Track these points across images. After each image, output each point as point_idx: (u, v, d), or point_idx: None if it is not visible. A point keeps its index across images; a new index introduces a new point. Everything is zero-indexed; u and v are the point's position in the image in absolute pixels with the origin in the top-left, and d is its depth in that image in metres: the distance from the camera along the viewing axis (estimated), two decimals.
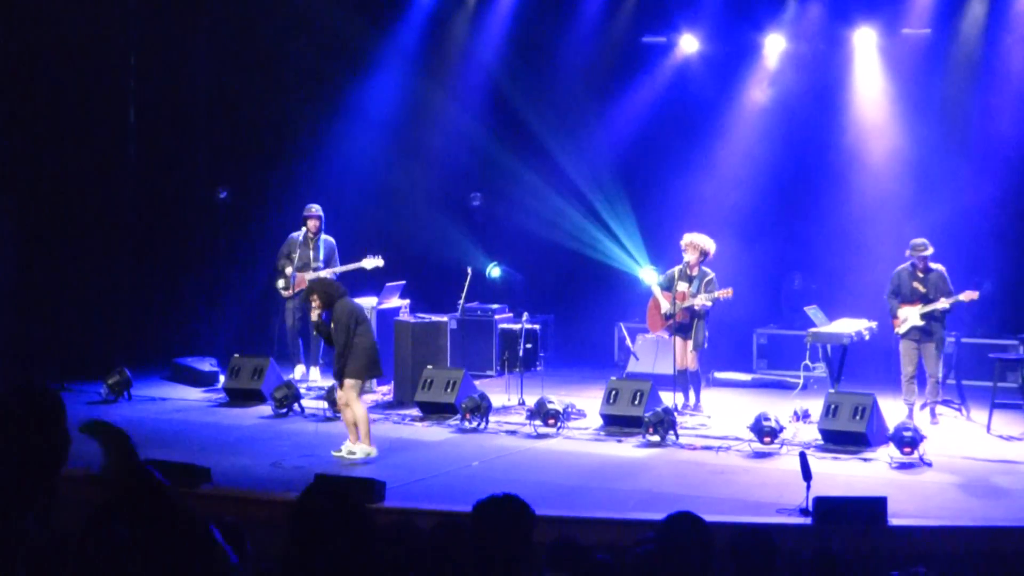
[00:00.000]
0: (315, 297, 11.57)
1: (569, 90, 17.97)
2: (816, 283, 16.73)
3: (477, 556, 4.35)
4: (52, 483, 3.28)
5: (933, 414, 13.01)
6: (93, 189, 16.66)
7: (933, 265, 13.06)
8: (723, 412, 13.70)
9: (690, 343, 13.71)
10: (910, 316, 13.00)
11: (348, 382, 11.54)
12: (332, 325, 11.50)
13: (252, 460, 11.67)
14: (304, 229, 15.52)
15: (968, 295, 12.97)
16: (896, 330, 13.19)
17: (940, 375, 13.12)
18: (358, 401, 11.64)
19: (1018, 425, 12.85)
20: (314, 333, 12.27)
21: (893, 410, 12.58)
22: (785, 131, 16.80)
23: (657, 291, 14.01)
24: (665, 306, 13.79)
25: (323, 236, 15.56)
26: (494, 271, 17.66)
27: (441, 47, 18.20)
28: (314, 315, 11.67)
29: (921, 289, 13.00)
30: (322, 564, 3.54)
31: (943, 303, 12.93)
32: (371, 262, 15.33)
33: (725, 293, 13.56)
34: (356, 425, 11.59)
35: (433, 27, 18.08)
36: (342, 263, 15.53)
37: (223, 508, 9.63)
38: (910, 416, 12.73)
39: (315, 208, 15.50)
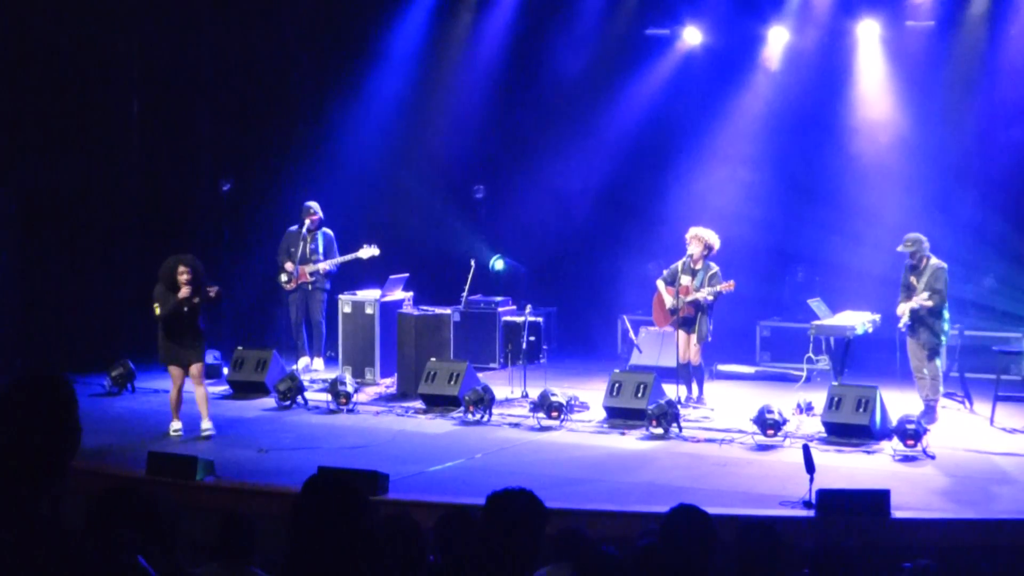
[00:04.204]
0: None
1: (573, 82, 17.95)
2: (819, 275, 16.72)
3: (489, 548, 4.34)
4: (64, 471, 3.29)
5: (932, 413, 12.69)
6: (97, 181, 16.66)
7: (934, 261, 12.75)
8: (726, 405, 13.68)
9: (693, 336, 13.68)
10: (903, 312, 12.82)
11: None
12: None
13: (255, 452, 11.68)
14: (301, 223, 15.57)
15: (918, 301, 12.58)
16: (898, 324, 13.05)
17: (935, 375, 12.66)
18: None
19: (1021, 418, 12.81)
20: (183, 309, 12.33)
21: (896, 403, 12.56)
22: (788, 123, 16.77)
23: (661, 286, 13.96)
24: (669, 301, 13.75)
25: (323, 229, 15.63)
26: (497, 263, 17.66)
27: (445, 40, 18.18)
28: (188, 291, 12.11)
29: (915, 283, 12.80)
30: (324, 556, 3.55)
31: (913, 302, 12.58)
32: (367, 251, 15.43)
33: (727, 286, 13.52)
34: (204, 402, 12.37)
35: (437, 20, 18.06)
36: (341, 255, 15.60)
37: (226, 500, 9.67)
38: (927, 413, 12.59)
39: (313, 206, 15.56)
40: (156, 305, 12.19)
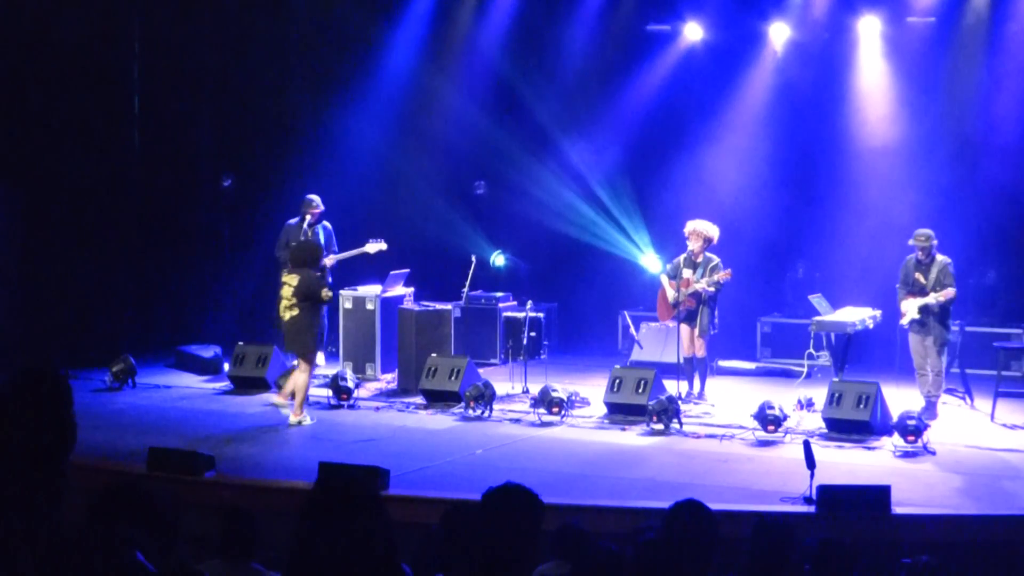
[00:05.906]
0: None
1: (573, 78, 17.95)
2: (820, 271, 16.72)
3: (486, 544, 4.34)
4: (62, 467, 3.29)
5: (933, 409, 12.71)
6: (97, 177, 16.65)
7: (939, 257, 12.74)
8: (727, 400, 13.70)
9: (696, 330, 13.70)
10: (910, 309, 12.78)
11: None
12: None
13: (256, 448, 11.70)
14: (301, 217, 15.37)
15: (936, 297, 12.61)
16: (900, 321, 13.03)
17: (938, 371, 12.68)
18: None
19: (1022, 414, 12.83)
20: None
21: (897, 399, 12.56)
22: (789, 120, 16.77)
23: (664, 280, 14.00)
24: (671, 294, 13.79)
25: (322, 223, 15.51)
26: (498, 259, 17.67)
27: (446, 35, 18.17)
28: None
29: (922, 280, 12.71)
30: (331, 552, 3.55)
31: (931, 298, 12.57)
32: (374, 246, 15.34)
33: (724, 275, 13.53)
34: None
35: (439, 15, 18.05)
36: (346, 250, 15.48)
37: (227, 496, 9.67)
38: (928, 409, 12.59)
39: (315, 199, 15.34)
40: (324, 289, 12.60)
